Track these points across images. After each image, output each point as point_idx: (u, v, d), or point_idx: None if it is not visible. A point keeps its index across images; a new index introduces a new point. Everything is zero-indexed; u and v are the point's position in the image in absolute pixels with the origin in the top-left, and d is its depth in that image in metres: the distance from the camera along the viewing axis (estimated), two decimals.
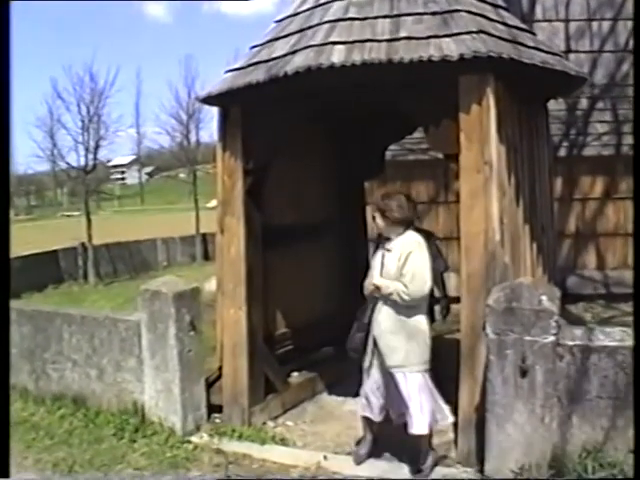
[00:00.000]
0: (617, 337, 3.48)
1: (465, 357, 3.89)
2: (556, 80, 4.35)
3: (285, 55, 4.12)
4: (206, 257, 19.44)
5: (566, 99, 8.46)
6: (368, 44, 3.84)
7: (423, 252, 3.79)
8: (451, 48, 3.69)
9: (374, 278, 3.89)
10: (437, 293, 4.90)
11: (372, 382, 3.96)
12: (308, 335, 5.48)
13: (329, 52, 3.84)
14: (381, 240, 4.10)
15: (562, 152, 8.80)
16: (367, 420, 4.11)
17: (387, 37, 3.86)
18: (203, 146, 23.46)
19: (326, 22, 4.09)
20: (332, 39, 3.91)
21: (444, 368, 3.97)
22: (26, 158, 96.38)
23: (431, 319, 4.23)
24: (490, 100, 3.80)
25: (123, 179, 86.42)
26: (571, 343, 3.49)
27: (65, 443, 4.56)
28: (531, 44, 4.11)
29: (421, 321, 3.83)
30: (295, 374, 5.43)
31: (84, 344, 5.06)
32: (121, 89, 23.06)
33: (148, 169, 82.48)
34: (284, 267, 5.25)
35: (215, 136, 5.04)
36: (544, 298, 3.49)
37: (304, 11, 4.44)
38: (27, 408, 5.17)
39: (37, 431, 4.76)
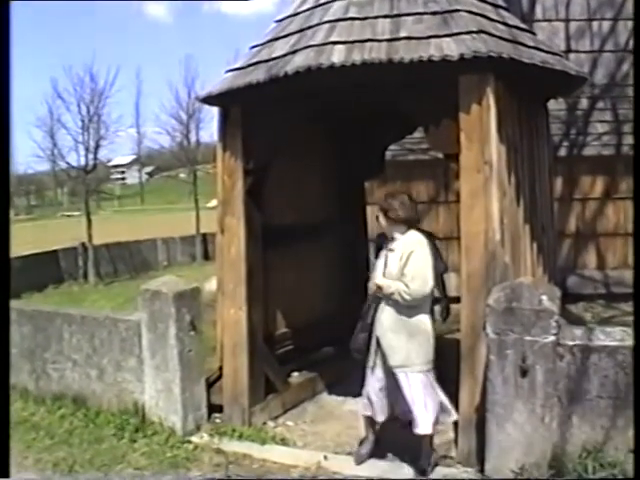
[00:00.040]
0: (617, 337, 3.48)
1: (465, 357, 3.89)
2: (556, 80, 4.35)
3: (285, 55, 4.12)
4: (206, 257, 19.45)
5: (566, 99, 8.45)
6: (368, 44, 3.84)
7: (425, 252, 3.79)
8: (451, 48, 3.69)
9: (377, 278, 3.90)
10: (436, 294, 4.90)
11: (376, 382, 3.96)
12: (308, 335, 5.48)
13: (329, 52, 3.84)
14: (381, 240, 4.10)
15: (562, 152, 8.79)
16: (369, 420, 4.11)
17: (387, 37, 3.86)
18: (203, 146, 23.47)
19: (326, 22, 4.09)
20: (332, 39, 3.91)
21: (444, 368, 3.97)
22: (26, 158, 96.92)
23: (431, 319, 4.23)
24: (490, 100, 3.80)
25: (123, 179, 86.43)
26: (571, 343, 3.49)
27: (65, 443, 4.56)
28: (531, 44, 4.11)
29: (424, 321, 3.84)
30: (295, 374, 5.44)
31: (84, 344, 5.06)
32: (121, 89, 23.07)
33: (148, 169, 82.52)
34: (284, 267, 5.25)
35: (215, 136, 5.04)
36: (544, 298, 3.49)
37: (304, 11, 4.44)
38: (27, 408, 5.17)
39: (37, 431, 4.77)
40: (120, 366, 4.88)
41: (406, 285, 3.68)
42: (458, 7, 3.94)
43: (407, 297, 3.69)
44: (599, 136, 8.89)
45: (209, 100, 4.73)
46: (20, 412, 5.06)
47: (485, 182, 3.82)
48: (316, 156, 5.63)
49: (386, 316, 3.83)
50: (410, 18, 3.96)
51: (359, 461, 4.07)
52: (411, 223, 3.91)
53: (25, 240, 19.07)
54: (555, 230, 5.72)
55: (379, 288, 3.83)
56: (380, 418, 4.04)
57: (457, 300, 4.07)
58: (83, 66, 18.47)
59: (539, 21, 9.27)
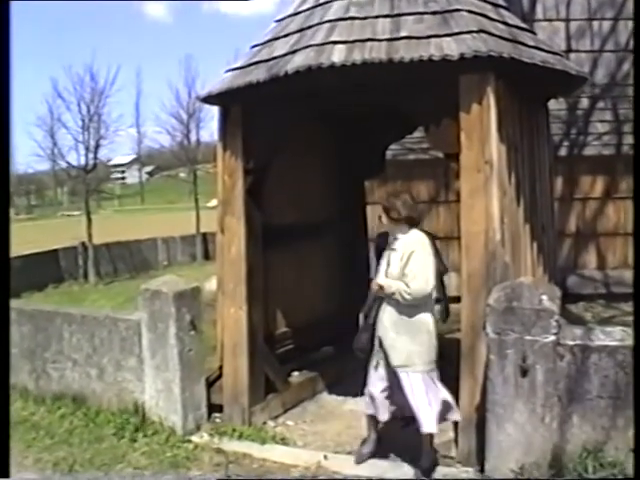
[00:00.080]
0: (617, 337, 3.48)
1: (465, 357, 3.89)
2: (557, 79, 4.35)
3: (285, 54, 4.12)
4: (206, 256, 19.47)
5: (567, 98, 8.46)
6: (368, 43, 3.84)
7: (426, 251, 3.79)
8: (452, 47, 3.69)
9: (378, 278, 3.90)
10: (436, 294, 4.90)
11: (379, 381, 3.95)
12: (308, 334, 5.48)
13: (329, 51, 3.84)
14: (381, 240, 4.10)
15: (563, 151, 8.80)
16: (371, 419, 4.11)
17: (387, 36, 3.86)
18: (203, 145, 23.50)
19: (326, 21, 4.09)
20: (332, 38, 3.91)
21: (445, 368, 3.97)
22: (26, 157, 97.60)
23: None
24: (490, 99, 3.80)
25: (123, 178, 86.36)
26: (571, 343, 3.49)
27: (65, 442, 4.56)
28: (531, 43, 4.11)
29: (425, 320, 3.83)
30: (295, 373, 5.43)
31: (84, 343, 5.06)
32: (121, 89, 23.27)
33: (148, 168, 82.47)
34: (284, 266, 5.26)
35: (215, 135, 5.05)
36: (544, 298, 3.49)
37: (304, 11, 4.43)
38: (27, 407, 5.17)
39: (37, 430, 4.77)
40: (120, 366, 4.88)
41: (407, 285, 3.68)
42: (458, 7, 3.94)
43: (408, 297, 3.69)
44: (599, 136, 8.89)
45: (209, 99, 4.73)
46: (20, 412, 5.06)
47: (485, 182, 3.82)
48: (316, 155, 5.63)
49: (387, 316, 3.84)
50: (410, 18, 3.96)
51: (360, 460, 4.06)
52: (413, 222, 3.91)
53: (25, 239, 19.07)
54: (555, 230, 5.72)
55: (380, 288, 3.83)
56: (383, 417, 4.03)
57: (457, 300, 4.06)
58: (83, 65, 18.61)
59: (539, 21, 9.28)
